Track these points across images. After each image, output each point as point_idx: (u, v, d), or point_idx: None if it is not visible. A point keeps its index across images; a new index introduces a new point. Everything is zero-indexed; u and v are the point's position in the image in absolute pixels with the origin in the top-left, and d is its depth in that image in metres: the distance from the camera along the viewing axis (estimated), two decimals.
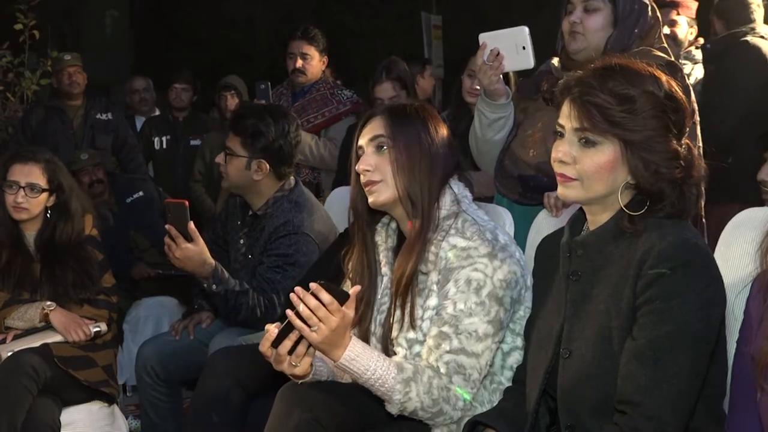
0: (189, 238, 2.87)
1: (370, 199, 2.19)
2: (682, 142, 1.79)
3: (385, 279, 2.25)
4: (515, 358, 2.14)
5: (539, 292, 1.99)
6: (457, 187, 2.22)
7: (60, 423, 3.03)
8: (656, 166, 1.75)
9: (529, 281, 2.14)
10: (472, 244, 2.09)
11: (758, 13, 4.19)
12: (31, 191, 3.20)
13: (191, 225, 2.87)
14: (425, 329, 2.11)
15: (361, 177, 2.20)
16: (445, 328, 2.06)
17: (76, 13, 11.13)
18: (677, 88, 1.80)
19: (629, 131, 1.74)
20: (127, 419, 3.47)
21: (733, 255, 2.02)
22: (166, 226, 2.88)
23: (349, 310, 1.96)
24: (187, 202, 2.88)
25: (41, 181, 3.23)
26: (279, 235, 3.09)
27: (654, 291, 1.69)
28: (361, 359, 1.99)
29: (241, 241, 3.27)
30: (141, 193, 4.86)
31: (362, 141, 2.22)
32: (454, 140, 2.29)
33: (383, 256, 2.27)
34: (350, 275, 2.31)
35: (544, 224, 2.59)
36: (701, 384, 1.70)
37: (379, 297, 2.26)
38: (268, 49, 10.41)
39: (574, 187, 1.81)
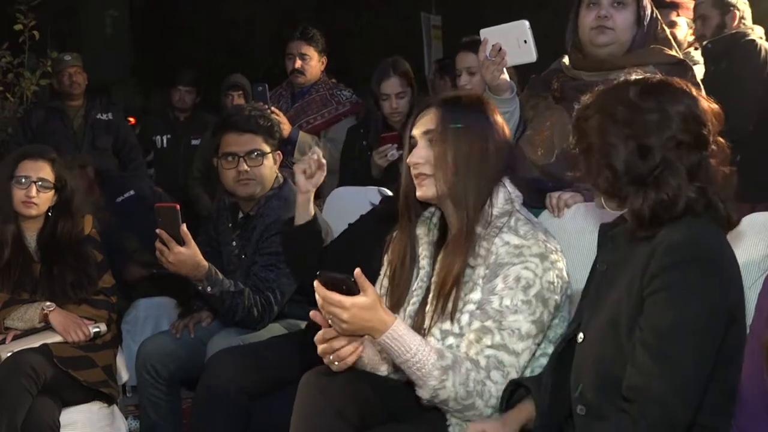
0: (181, 242, 2.87)
1: (419, 192, 2.18)
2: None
3: (422, 272, 2.24)
4: (540, 363, 2.12)
5: (593, 270, 2.03)
6: (510, 186, 2.20)
7: (60, 423, 3.03)
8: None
9: (569, 290, 2.14)
10: (526, 242, 2.07)
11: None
12: (41, 187, 3.21)
13: (183, 228, 2.87)
14: (463, 322, 2.09)
15: (412, 169, 2.19)
16: (489, 323, 2.04)
17: (76, 13, 11.13)
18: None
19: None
20: (126, 420, 3.47)
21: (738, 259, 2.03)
22: (157, 231, 2.87)
23: (363, 296, 1.90)
24: (178, 206, 2.88)
25: (50, 178, 3.24)
26: (270, 233, 3.10)
27: (659, 281, 1.72)
28: (402, 340, 1.95)
29: (234, 243, 3.27)
30: (132, 192, 4.82)
31: (416, 132, 2.20)
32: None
33: (423, 249, 2.25)
34: (389, 258, 2.30)
35: (545, 225, 2.58)
36: (707, 376, 1.71)
37: (413, 288, 2.24)
38: (268, 49, 10.41)
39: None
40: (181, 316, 3.43)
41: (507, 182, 2.20)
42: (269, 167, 3.19)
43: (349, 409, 2.05)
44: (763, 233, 2.08)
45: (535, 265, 2.05)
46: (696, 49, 4.48)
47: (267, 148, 3.18)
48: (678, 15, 4.41)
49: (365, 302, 1.90)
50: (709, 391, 1.74)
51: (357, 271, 1.92)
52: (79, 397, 3.13)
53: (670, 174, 1.79)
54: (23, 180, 3.20)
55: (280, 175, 3.29)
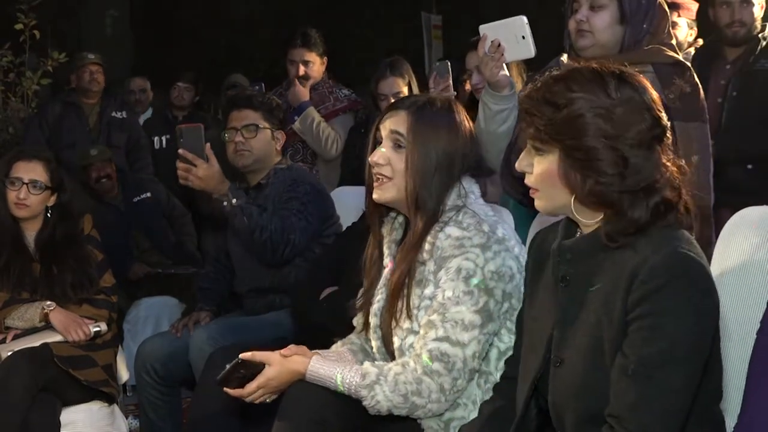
0: (206, 159, 2.97)
1: (375, 195, 2.17)
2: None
3: (386, 271, 2.24)
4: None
5: (531, 288, 1.93)
6: (466, 182, 2.18)
7: (60, 422, 3.04)
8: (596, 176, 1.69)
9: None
10: (467, 234, 2.07)
11: None
12: (33, 188, 3.22)
13: (208, 146, 2.98)
14: (420, 318, 2.10)
15: (373, 168, 2.18)
16: (434, 317, 2.05)
17: (76, 13, 11.12)
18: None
19: (569, 139, 1.69)
20: (127, 419, 3.47)
21: (732, 254, 2.03)
22: (180, 151, 2.97)
23: (268, 367, 2.12)
24: (202, 125, 3.01)
25: (44, 179, 3.24)
26: (287, 190, 3.19)
27: (645, 307, 1.64)
28: (323, 374, 2.10)
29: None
30: (148, 194, 4.87)
31: (383, 131, 2.18)
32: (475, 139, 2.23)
33: (386, 248, 2.26)
34: (365, 265, 2.30)
35: (542, 224, 2.59)
36: (693, 398, 1.66)
37: (378, 287, 2.25)
38: (268, 49, 10.40)
39: (539, 198, 1.80)
40: (184, 316, 3.44)
41: (465, 179, 2.18)
42: (266, 141, 3.29)
43: (330, 419, 2.07)
44: (760, 229, 2.04)
45: (475, 256, 2.05)
46: (696, 49, 4.47)
47: (264, 124, 3.29)
48: (679, 15, 4.40)
49: (272, 371, 2.12)
50: (696, 399, 1.68)
51: (243, 355, 2.13)
52: (79, 397, 3.14)
53: (596, 169, 1.67)
54: (15, 182, 3.22)
55: (286, 159, 3.41)
